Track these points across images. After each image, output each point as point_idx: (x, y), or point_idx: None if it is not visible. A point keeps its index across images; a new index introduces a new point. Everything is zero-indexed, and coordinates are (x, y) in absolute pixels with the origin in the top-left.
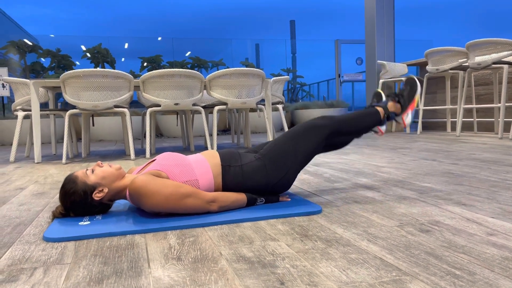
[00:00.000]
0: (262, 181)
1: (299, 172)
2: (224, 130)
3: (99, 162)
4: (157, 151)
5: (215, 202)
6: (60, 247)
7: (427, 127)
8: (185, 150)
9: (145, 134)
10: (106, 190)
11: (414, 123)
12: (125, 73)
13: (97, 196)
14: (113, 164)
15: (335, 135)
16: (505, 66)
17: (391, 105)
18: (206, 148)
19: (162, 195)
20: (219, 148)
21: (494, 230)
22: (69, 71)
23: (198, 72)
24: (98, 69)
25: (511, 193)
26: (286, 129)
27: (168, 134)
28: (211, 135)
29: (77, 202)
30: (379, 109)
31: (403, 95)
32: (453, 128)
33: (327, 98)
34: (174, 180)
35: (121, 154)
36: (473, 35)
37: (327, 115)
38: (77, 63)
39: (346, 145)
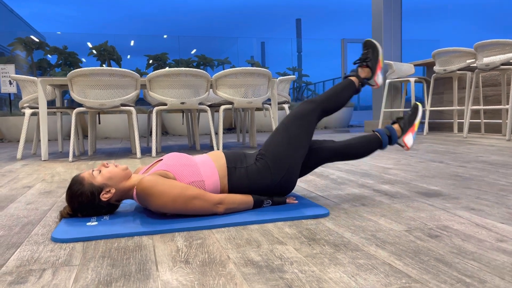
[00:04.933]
0: (267, 180)
1: (300, 165)
2: (229, 129)
3: (105, 162)
4: (163, 149)
5: (222, 204)
6: (68, 248)
7: (433, 127)
8: (191, 149)
9: (151, 131)
10: (113, 190)
11: (420, 123)
12: (132, 71)
13: (104, 197)
14: (120, 164)
15: (323, 115)
16: None
17: (361, 71)
18: (211, 147)
19: (169, 196)
20: (224, 147)
21: (503, 236)
22: (76, 70)
23: (204, 71)
24: (105, 67)
25: None
26: None
27: (174, 132)
28: (216, 133)
29: (84, 203)
30: (353, 78)
31: (369, 58)
32: (460, 129)
33: None
34: (181, 181)
35: (127, 152)
36: (480, 35)
37: (310, 99)
38: (83, 60)
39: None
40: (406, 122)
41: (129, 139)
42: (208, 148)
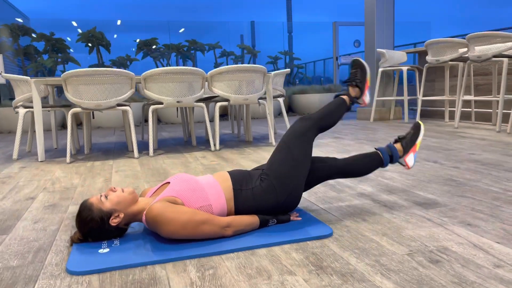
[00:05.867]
0: (272, 200)
1: (304, 183)
2: (222, 115)
3: (112, 187)
4: (159, 144)
5: (230, 227)
6: (85, 282)
7: (424, 114)
8: (187, 143)
9: (146, 120)
10: (122, 215)
11: (412, 110)
12: (126, 71)
13: (113, 222)
14: (126, 188)
15: (319, 132)
16: (505, 60)
17: (352, 90)
18: (207, 141)
19: (179, 222)
20: (220, 141)
21: (500, 260)
22: (70, 71)
23: (199, 69)
24: (100, 68)
25: None
26: (285, 116)
27: (167, 120)
28: (212, 121)
29: (94, 229)
30: (344, 97)
31: (358, 79)
32: (451, 117)
33: (323, 78)
34: (189, 206)
35: (124, 150)
36: (474, 10)
37: (306, 116)
38: (69, 39)
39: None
40: (408, 142)
41: (122, 129)
42: (204, 142)
